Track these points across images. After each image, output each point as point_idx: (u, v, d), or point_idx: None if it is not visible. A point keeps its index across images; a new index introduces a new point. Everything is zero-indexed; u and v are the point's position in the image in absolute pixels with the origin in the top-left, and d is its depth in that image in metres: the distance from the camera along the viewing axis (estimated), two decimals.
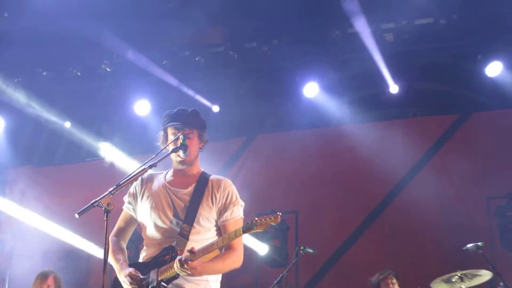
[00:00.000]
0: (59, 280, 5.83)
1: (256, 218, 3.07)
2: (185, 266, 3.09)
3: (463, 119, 7.75)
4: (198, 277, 3.43)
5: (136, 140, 8.28)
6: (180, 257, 3.11)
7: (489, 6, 6.77)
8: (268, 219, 3.04)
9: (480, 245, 5.85)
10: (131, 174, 3.31)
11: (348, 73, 7.55)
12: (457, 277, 5.79)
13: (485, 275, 5.81)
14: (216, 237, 3.48)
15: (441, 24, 7.00)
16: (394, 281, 6.24)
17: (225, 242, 3.26)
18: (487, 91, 7.36)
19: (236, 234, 3.21)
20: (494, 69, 6.96)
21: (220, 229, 3.54)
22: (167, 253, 3.44)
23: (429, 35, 7.12)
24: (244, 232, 3.15)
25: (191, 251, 3.08)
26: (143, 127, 7.76)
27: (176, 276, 3.33)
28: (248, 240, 6.54)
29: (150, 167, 3.24)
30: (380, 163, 7.45)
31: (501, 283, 5.87)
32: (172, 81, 7.76)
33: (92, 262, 7.99)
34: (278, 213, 2.99)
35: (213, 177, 3.60)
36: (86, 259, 8.01)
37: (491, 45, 6.98)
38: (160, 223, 3.54)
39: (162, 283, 3.35)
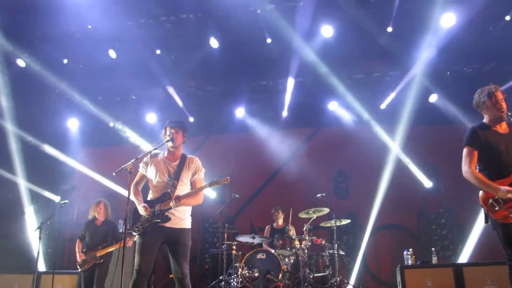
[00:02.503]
0: (107, 205, 7.20)
1: (216, 179, 4.48)
2: (177, 200, 4.40)
3: (315, 131, 10.69)
4: (181, 207, 4.56)
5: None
6: (177, 195, 4.44)
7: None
8: (223, 180, 4.47)
9: (324, 195, 8.06)
10: (143, 153, 4.59)
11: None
12: (311, 211, 8.03)
13: (326, 210, 8.07)
14: (189, 188, 4.69)
15: None
16: (280, 212, 8.73)
17: (197, 190, 4.57)
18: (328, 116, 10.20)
19: (204, 186, 4.56)
20: (333, 105, 10.09)
21: (192, 184, 4.72)
22: (164, 195, 4.53)
23: None
24: (210, 186, 4.54)
25: (178, 196, 4.40)
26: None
27: (170, 207, 4.46)
28: (208, 190, 6.96)
29: (155, 148, 4.60)
30: (275, 153, 10.34)
31: (334, 215, 7.94)
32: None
33: (123, 199, 9.30)
34: (227, 177, 4.49)
35: (189, 156, 4.72)
36: (119, 197, 9.68)
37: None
38: (160, 179, 4.59)
39: (162, 210, 4.48)
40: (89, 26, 8.21)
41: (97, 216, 7.05)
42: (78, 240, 7.15)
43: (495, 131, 4.20)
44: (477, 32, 8.09)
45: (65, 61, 9.17)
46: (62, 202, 7.82)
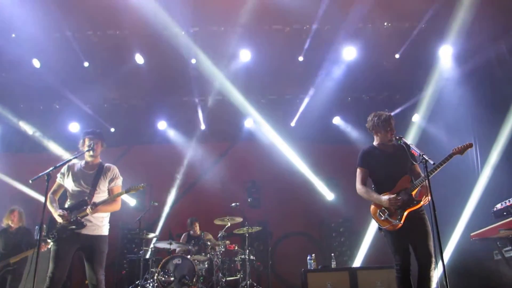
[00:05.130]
0: (21, 213, 6.82)
1: (132, 186, 4.50)
2: (93, 207, 4.35)
3: (232, 145, 11.05)
4: (99, 214, 4.49)
5: None
6: (93, 202, 4.38)
7: None
8: (138, 186, 4.53)
9: (238, 204, 8.10)
10: (62, 162, 4.46)
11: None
12: (226, 218, 8.11)
13: (239, 219, 8.17)
14: (107, 196, 4.59)
15: None
16: (196, 224, 8.71)
17: (114, 197, 4.52)
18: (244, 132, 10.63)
19: (121, 193, 4.51)
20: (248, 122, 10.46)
21: (109, 192, 4.65)
22: (81, 203, 4.45)
23: None
24: (126, 192, 4.53)
25: (94, 203, 4.36)
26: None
27: (87, 214, 4.39)
28: (125, 196, 7.18)
29: (75, 157, 4.60)
30: (194, 164, 10.60)
31: (246, 223, 8.03)
32: None
33: (39, 206, 7.93)
34: (142, 184, 4.55)
35: (106, 164, 4.71)
36: (36, 204, 9.07)
37: None
38: (77, 188, 4.54)
39: (78, 217, 4.38)
40: (13, 35, 7.84)
41: (11, 224, 6.69)
42: None
43: (382, 151, 4.61)
44: (373, 65, 8.74)
45: None
46: None
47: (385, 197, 4.33)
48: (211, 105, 10.03)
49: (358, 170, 4.64)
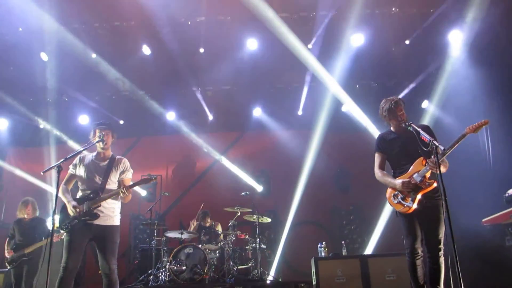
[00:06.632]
0: (34, 203, 6.89)
1: (144, 177, 4.65)
2: (127, 188, 4.46)
3: (241, 135, 11.11)
4: (110, 205, 4.54)
5: None
6: (124, 185, 4.53)
7: None
8: (152, 178, 4.68)
9: (248, 193, 8.36)
10: (73, 154, 4.46)
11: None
12: (236, 207, 8.26)
13: (249, 207, 8.33)
14: (116, 187, 4.61)
15: None
16: (207, 217, 8.63)
17: (126, 188, 4.54)
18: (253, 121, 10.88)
19: (134, 185, 4.59)
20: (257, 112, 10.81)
21: (119, 183, 4.71)
22: (93, 193, 4.52)
23: None
24: (143, 183, 4.64)
25: (125, 186, 4.48)
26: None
27: (99, 205, 4.44)
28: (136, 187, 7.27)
29: (85, 149, 4.51)
30: (203, 154, 10.69)
31: (256, 211, 8.10)
32: None
33: (51, 198, 9.48)
34: (154, 176, 4.76)
35: (118, 156, 4.74)
36: (49, 195, 9.62)
37: None
38: (89, 179, 4.58)
39: (91, 208, 4.45)
40: (20, 29, 7.86)
41: (25, 215, 6.79)
42: (7, 238, 6.84)
43: (397, 135, 4.59)
44: (382, 52, 8.64)
45: None
46: None
47: (398, 181, 4.34)
48: (219, 95, 10.08)
49: (376, 155, 4.67)
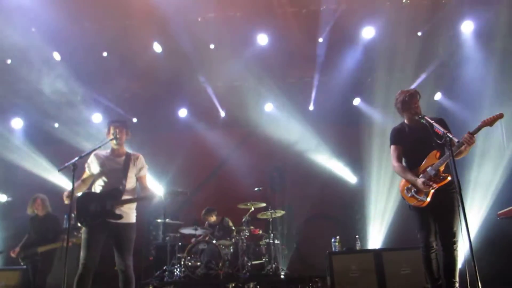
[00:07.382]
0: (44, 199, 6.95)
1: (177, 190, 4.72)
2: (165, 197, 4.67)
3: (253, 131, 10.67)
4: (130, 206, 4.59)
5: None
6: (177, 189, 4.72)
7: None
8: (185, 192, 4.80)
9: (261, 188, 8.34)
10: (87, 152, 4.52)
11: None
12: (249, 203, 8.20)
13: (263, 203, 8.24)
14: (134, 184, 4.65)
15: None
16: (213, 212, 8.67)
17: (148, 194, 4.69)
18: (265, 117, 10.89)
19: (170, 195, 4.76)
20: (269, 107, 10.85)
21: (137, 179, 4.74)
22: (113, 191, 4.52)
23: None
24: (169, 195, 4.76)
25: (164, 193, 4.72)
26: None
27: (121, 203, 4.47)
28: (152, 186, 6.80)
29: (99, 147, 4.60)
30: (215, 151, 10.60)
31: (270, 207, 8.20)
32: None
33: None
34: (182, 190, 4.76)
35: (133, 153, 4.79)
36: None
37: None
38: (106, 176, 4.60)
39: (114, 206, 4.48)
40: (33, 29, 7.93)
41: (36, 212, 6.86)
42: (27, 235, 6.98)
43: (411, 128, 4.57)
44: (393, 44, 8.55)
45: (9, 61, 8.70)
46: (5, 200, 7.50)
47: (420, 180, 4.27)
48: (230, 91, 10.03)
49: (392, 148, 4.65)
